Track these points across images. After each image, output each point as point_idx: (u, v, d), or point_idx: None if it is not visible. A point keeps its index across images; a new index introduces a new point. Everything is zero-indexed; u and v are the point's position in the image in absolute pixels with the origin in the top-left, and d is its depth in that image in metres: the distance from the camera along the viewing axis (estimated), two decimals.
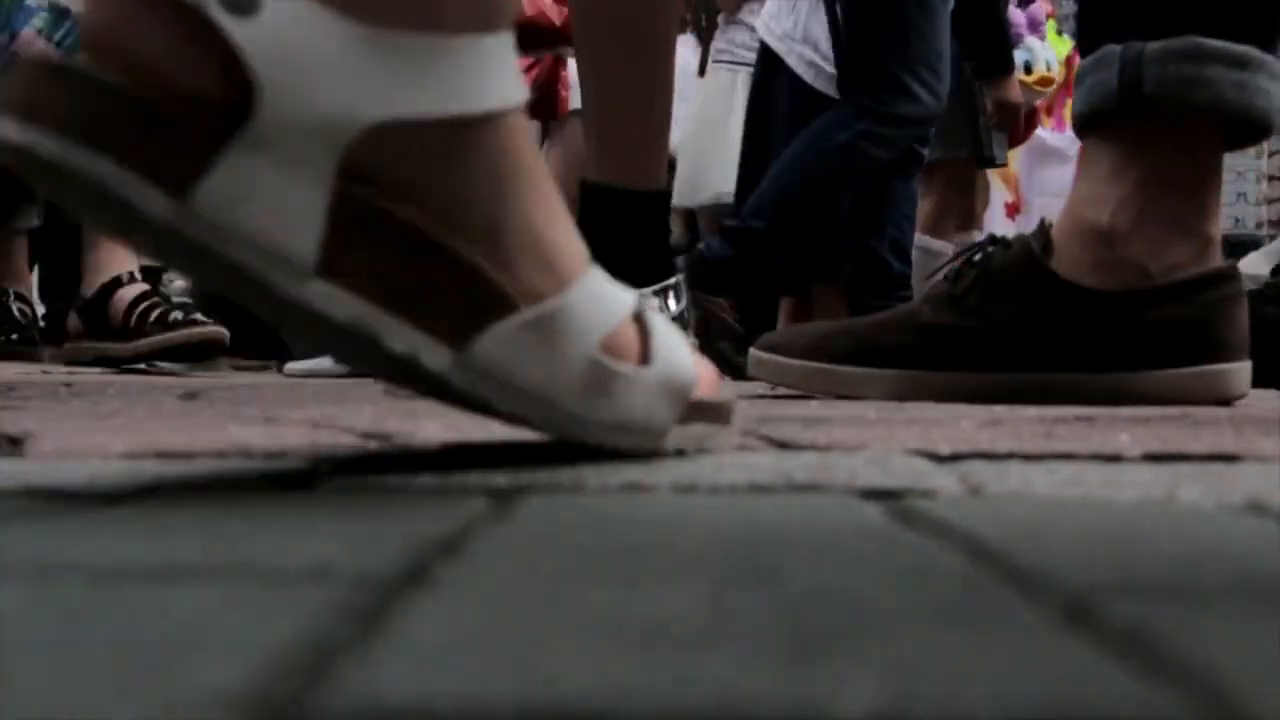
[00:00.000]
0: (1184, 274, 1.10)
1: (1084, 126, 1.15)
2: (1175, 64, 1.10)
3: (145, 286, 2.29)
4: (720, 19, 3.68)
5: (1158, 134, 1.11)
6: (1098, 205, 1.11)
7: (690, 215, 3.81)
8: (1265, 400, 1.35)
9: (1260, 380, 1.16)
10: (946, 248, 2.87)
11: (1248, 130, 1.12)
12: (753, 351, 1.25)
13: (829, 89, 2.67)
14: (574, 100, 3.42)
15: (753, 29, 3.38)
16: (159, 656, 0.22)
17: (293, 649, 0.22)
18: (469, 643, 0.23)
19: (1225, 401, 1.10)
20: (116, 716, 0.19)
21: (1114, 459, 0.57)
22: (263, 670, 0.21)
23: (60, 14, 2.26)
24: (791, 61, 2.79)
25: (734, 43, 3.60)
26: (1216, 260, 1.12)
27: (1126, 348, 1.09)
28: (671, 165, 2.93)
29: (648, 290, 1.55)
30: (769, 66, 2.85)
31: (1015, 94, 3.00)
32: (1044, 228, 1.14)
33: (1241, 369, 1.11)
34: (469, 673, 0.21)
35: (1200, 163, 1.12)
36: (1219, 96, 1.09)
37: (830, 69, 2.67)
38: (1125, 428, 0.76)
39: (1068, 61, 3.69)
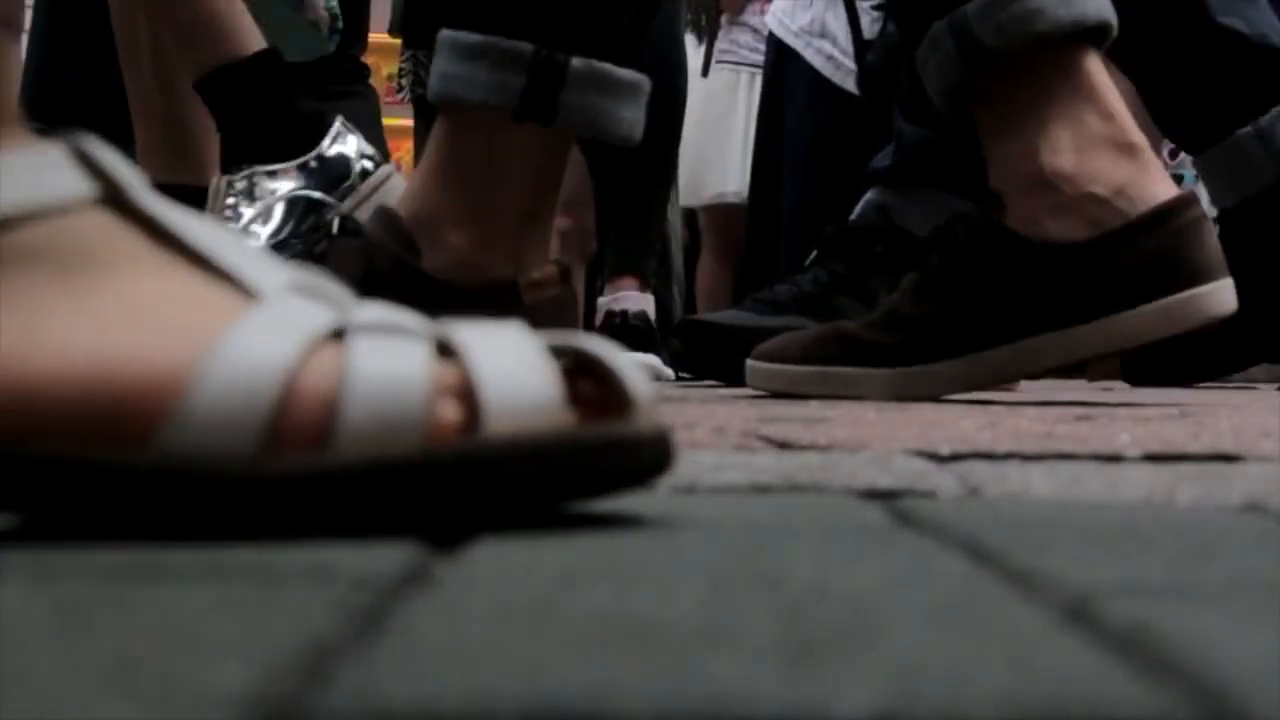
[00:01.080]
0: (1144, 207, 1.10)
1: (952, 105, 1.17)
2: (1000, 9, 1.11)
3: None
4: (723, 19, 3.68)
5: (1028, 78, 1.12)
6: (1028, 158, 1.12)
7: (691, 215, 3.81)
8: (1265, 400, 1.35)
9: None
10: None
11: (1096, 36, 1.14)
12: (749, 362, 1.25)
13: (847, 83, 2.68)
14: None
15: (756, 30, 3.38)
16: (159, 656, 0.22)
17: (292, 649, 0.22)
18: (469, 643, 0.23)
19: (1215, 322, 1.10)
20: (116, 716, 0.19)
21: (1114, 459, 0.57)
22: (262, 670, 0.21)
23: None
24: (809, 56, 2.80)
25: (737, 43, 3.61)
26: (1156, 168, 1.13)
27: (1108, 291, 1.10)
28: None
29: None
30: (781, 62, 2.85)
31: None
32: (993, 193, 1.14)
33: (1223, 286, 1.11)
34: (470, 673, 0.21)
35: (1085, 79, 1.13)
36: (1055, 18, 1.11)
37: (850, 64, 2.68)
38: (1125, 428, 0.76)
39: None
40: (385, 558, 0.32)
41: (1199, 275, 1.10)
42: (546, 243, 1.12)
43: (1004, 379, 1.15)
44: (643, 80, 1.12)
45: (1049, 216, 1.11)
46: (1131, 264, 1.09)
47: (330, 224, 1.08)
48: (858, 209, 1.76)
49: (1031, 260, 1.10)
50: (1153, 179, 1.11)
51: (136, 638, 0.24)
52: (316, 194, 1.43)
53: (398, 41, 2.86)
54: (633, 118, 1.11)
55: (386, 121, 4.79)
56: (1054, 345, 1.10)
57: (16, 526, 0.37)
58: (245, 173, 1.43)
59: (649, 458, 0.39)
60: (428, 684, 0.20)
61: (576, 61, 1.07)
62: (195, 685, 0.20)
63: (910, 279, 1.18)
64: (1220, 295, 1.11)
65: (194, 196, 1.56)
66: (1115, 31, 1.14)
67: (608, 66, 1.08)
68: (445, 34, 1.09)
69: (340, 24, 2.40)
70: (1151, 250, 1.09)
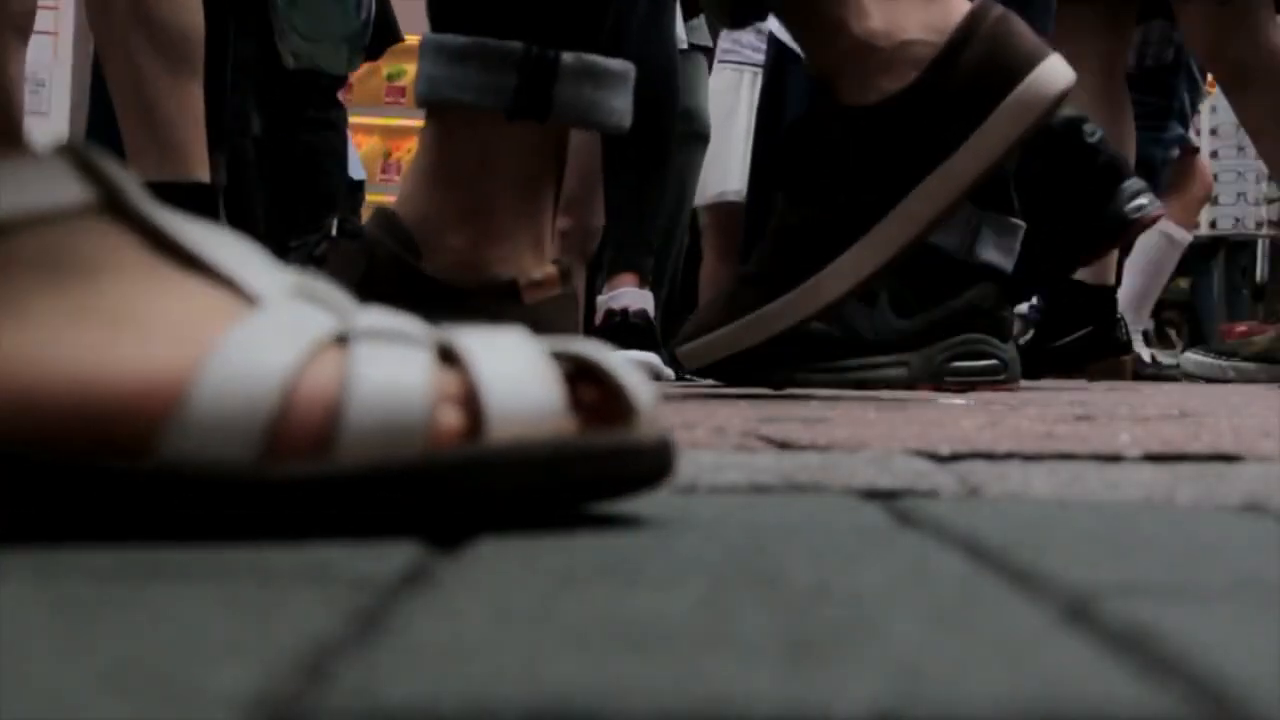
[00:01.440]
0: (951, 31, 1.13)
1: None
2: None
3: None
4: None
5: None
6: (839, 32, 1.16)
7: (692, 214, 3.81)
8: (1265, 400, 1.35)
9: None
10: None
11: None
12: (680, 350, 1.25)
13: None
14: None
15: (759, 30, 3.38)
16: (159, 656, 0.22)
17: (292, 649, 0.22)
18: (469, 643, 0.23)
19: (1066, 95, 1.13)
20: (116, 716, 0.19)
21: (1114, 459, 0.57)
22: (262, 670, 0.21)
23: None
24: None
25: (740, 43, 3.60)
26: None
27: (957, 115, 1.13)
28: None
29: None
30: (782, 63, 2.85)
31: None
32: (820, 83, 1.18)
33: (1053, 61, 1.14)
34: (470, 673, 0.21)
35: None
36: None
37: None
38: (1125, 428, 0.76)
39: None
40: (385, 558, 0.32)
41: (1028, 61, 1.14)
42: (546, 242, 1.12)
43: (912, 238, 1.15)
44: (629, 68, 1.12)
45: (879, 76, 1.15)
46: (964, 81, 1.13)
47: (330, 225, 1.09)
48: None
49: (874, 122, 1.14)
50: (952, 7, 1.16)
51: (136, 638, 0.24)
52: None
53: (396, 42, 2.85)
54: (623, 107, 1.12)
55: (387, 121, 4.84)
56: (937, 186, 1.13)
57: (16, 526, 0.37)
58: None
59: (650, 465, 0.39)
60: (428, 684, 0.20)
61: (567, 56, 1.07)
62: (195, 685, 0.20)
63: (781, 196, 1.21)
64: (1055, 70, 1.14)
65: (182, 193, 1.58)
66: None
67: (596, 58, 1.09)
68: (430, 37, 1.09)
69: (364, 41, 2.43)
70: (976, 61, 1.13)
